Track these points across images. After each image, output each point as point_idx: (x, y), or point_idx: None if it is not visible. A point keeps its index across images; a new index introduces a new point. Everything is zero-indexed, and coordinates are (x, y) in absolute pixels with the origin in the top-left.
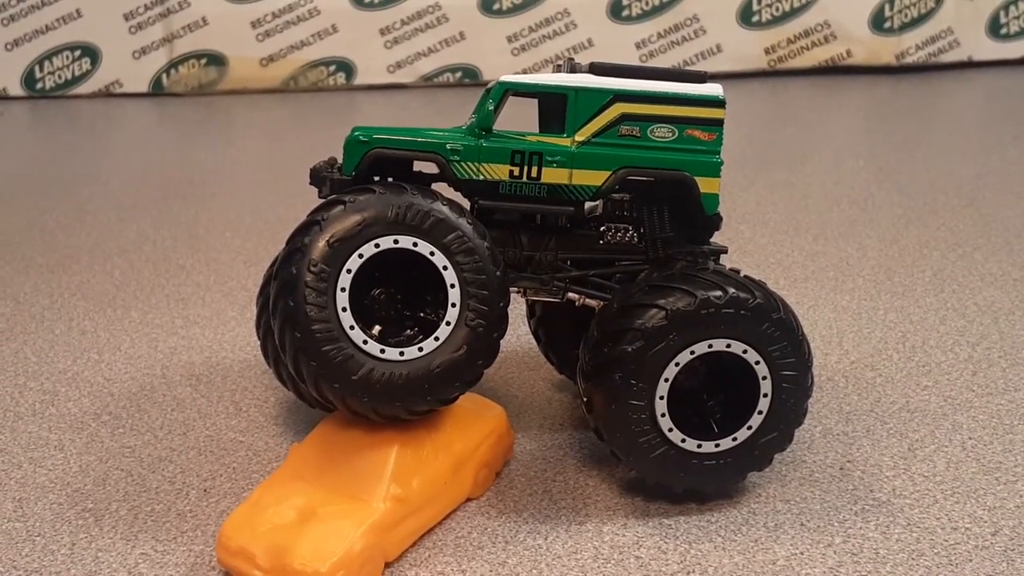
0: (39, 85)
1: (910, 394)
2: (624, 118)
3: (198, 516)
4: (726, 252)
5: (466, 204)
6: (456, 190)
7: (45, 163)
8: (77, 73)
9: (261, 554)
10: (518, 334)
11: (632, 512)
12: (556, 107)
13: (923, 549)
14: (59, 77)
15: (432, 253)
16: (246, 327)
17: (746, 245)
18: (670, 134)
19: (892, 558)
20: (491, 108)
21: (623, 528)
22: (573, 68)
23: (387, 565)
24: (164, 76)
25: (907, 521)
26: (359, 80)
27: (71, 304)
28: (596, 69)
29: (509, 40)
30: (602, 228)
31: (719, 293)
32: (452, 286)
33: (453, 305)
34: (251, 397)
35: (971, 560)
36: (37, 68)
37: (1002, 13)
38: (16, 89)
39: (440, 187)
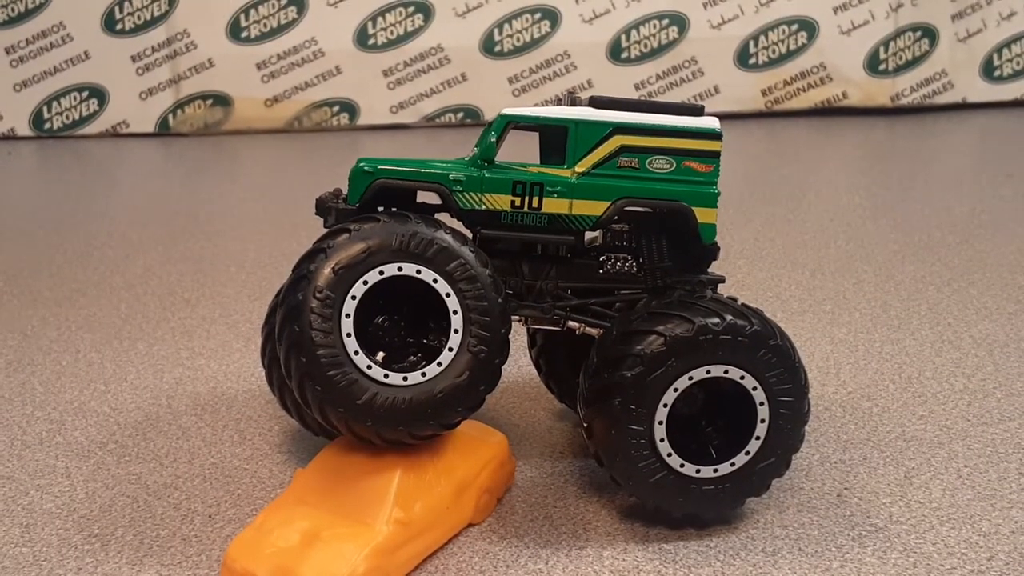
0: (47, 125)
1: (906, 423)
2: (623, 150)
3: (203, 541)
4: (723, 281)
5: (468, 234)
6: (458, 220)
7: (53, 201)
8: (85, 113)
9: None
10: (519, 365)
11: (632, 537)
12: (557, 139)
13: (919, 574)
14: (67, 117)
15: (435, 280)
16: (251, 358)
17: (744, 279)
18: (668, 166)
19: None
20: (493, 140)
21: (623, 553)
22: (573, 101)
23: None
24: (170, 116)
25: (904, 546)
26: (362, 120)
27: (78, 336)
28: (595, 102)
29: (510, 81)
30: (602, 258)
31: (717, 320)
32: (455, 313)
33: (456, 331)
34: (255, 426)
35: None
36: (45, 109)
37: (995, 56)
38: (24, 129)
39: (442, 217)
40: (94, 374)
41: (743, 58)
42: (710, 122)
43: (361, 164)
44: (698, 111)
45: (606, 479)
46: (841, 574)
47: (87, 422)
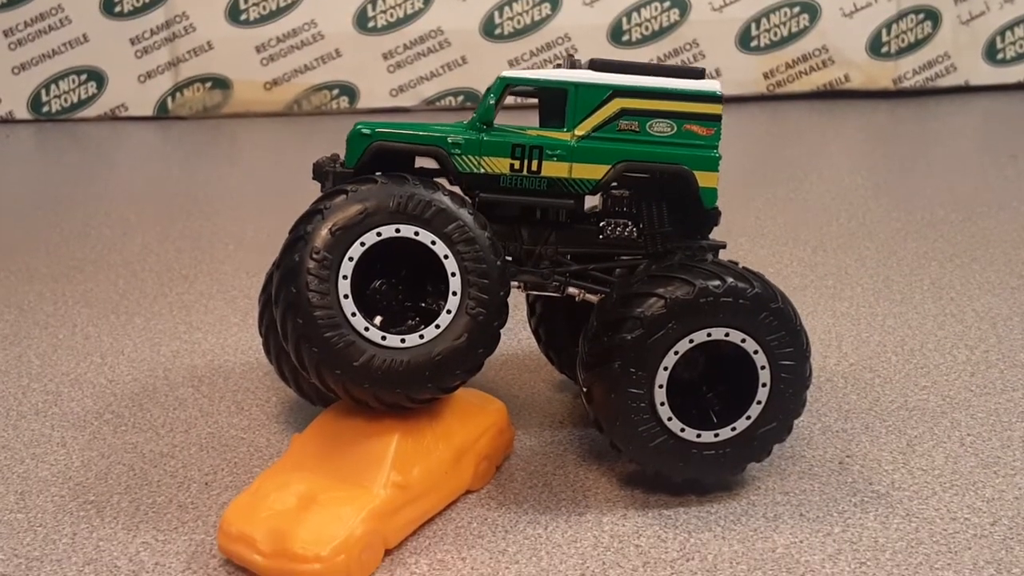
0: (45, 108)
1: (908, 394)
2: (623, 113)
3: (199, 508)
4: (724, 247)
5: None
6: (457, 184)
7: (51, 183)
8: (83, 97)
9: (262, 539)
10: (519, 337)
11: (632, 503)
12: (556, 102)
13: (922, 538)
14: (65, 101)
15: (433, 242)
16: (249, 332)
17: (745, 256)
18: (669, 129)
19: (891, 546)
20: (492, 102)
21: (623, 518)
22: (573, 64)
23: (387, 552)
24: (169, 99)
25: (906, 512)
26: (362, 104)
27: (75, 311)
28: (596, 65)
29: (511, 64)
30: (602, 223)
31: (718, 282)
32: (453, 275)
33: (454, 294)
34: (253, 397)
35: (970, 548)
36: (43, 92)
37: (998, 39)
38: (22, 112)
39: (441, 182)
40: (91, 347)
41: (744, 41)
42: (711, 85)
43: (359, 127)
44: (699, 74)
45: (606, 447)
46: (842, 538)
47: (83, 393)
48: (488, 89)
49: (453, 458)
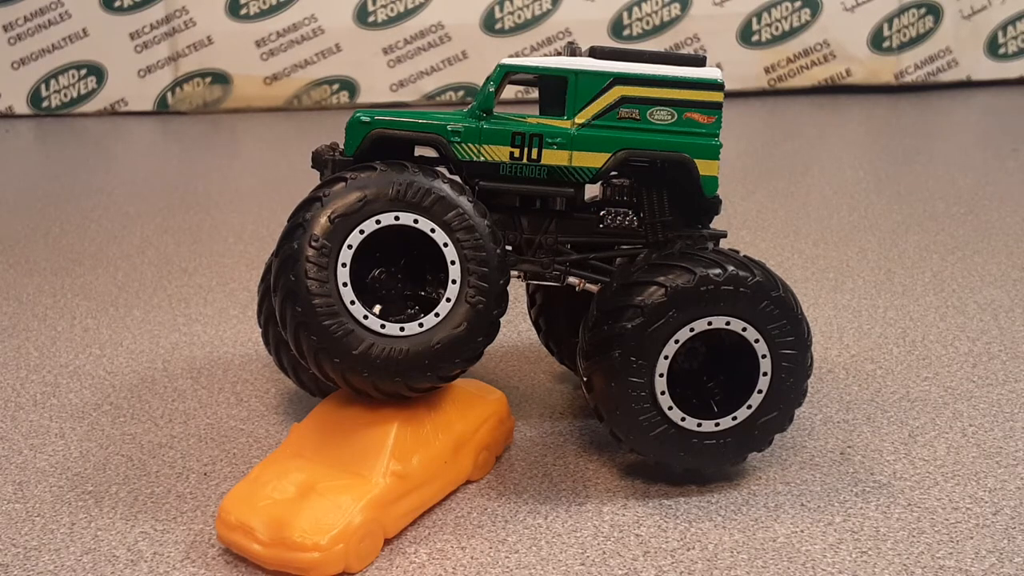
0: (45, 103)
1: (910, 385)
2: (624, 101)
3: (198, 498)
4: (725, 236)
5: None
6: (457, 172)
7: (51, 177)
8: (83, 91)
9: (260, 528)
10: (519, 329)
11: (632, 494)
12: (557, 90)
13: (924, 527)
14: (65, 95)
15: (433, 230)
16: (248, 324)
17: (746, 249)
18: (669, 117)
19: (892, 535)
20: (492, 90)
21: (623, 508)
22: (573, 51)
23: (387, 542)
24: (169, 94)
25: (908, 501)
26: (362, 98)
27: (74, 304)
28: (596, 52)
29: (511, 59)
30: (602, 212)
31: (719, 271)
32: (452, 263)
33: (453, 282)
34: (252, 388)
35: (971, 538)
36: (43, 87)
37: (1000, 33)
38: (22, 107)
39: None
40: (89, 339)
41: (746, 35)
42: (712, 72)
43: (358, 115)
44: (700, 61)
45: (606, 438)
46: (844, 527)
47: (82, 385)
48: (488, 77)
49: (453, 448)
